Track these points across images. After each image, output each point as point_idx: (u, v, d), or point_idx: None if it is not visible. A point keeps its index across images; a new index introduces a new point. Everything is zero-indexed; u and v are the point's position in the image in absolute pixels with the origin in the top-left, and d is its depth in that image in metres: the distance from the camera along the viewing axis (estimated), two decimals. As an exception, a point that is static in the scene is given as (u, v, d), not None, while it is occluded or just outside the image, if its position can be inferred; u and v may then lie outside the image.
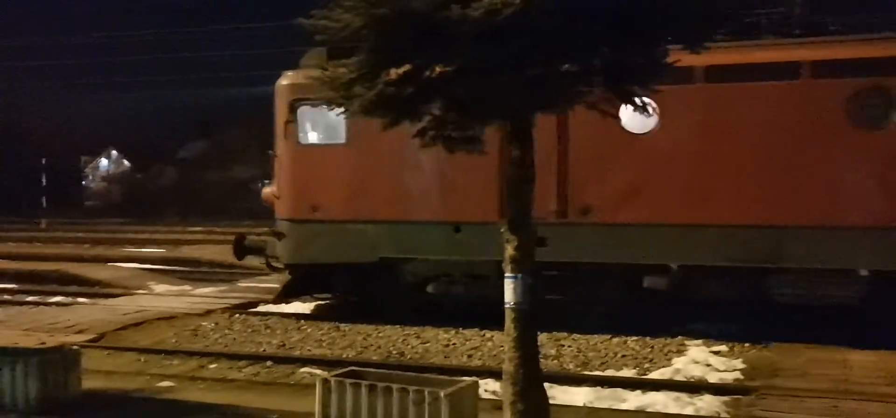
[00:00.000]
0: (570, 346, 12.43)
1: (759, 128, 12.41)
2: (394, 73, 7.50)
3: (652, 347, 12.38)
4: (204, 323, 14.46)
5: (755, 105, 12.45)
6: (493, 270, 12.71)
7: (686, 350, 12.24)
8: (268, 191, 15.56)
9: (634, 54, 7.27)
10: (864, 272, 12.08)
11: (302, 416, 8.73)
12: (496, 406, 8.64)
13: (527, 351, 7.41)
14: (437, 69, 7.27)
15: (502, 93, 7.12)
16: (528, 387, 7.33)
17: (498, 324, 7.12)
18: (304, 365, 11.60)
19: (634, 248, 12.94)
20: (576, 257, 13.07)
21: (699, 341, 12.64)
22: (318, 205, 14.55)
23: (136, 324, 14.38)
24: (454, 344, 12.85)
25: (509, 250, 7.55)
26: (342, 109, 7.95)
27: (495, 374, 10.00)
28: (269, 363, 11.80)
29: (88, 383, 9.58)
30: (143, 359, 12.17)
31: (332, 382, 7.80)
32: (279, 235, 14.89)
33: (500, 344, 12.30)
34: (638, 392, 10.15)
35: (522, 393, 7.30)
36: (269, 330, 13.90)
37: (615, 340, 12.74)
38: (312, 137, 14.91)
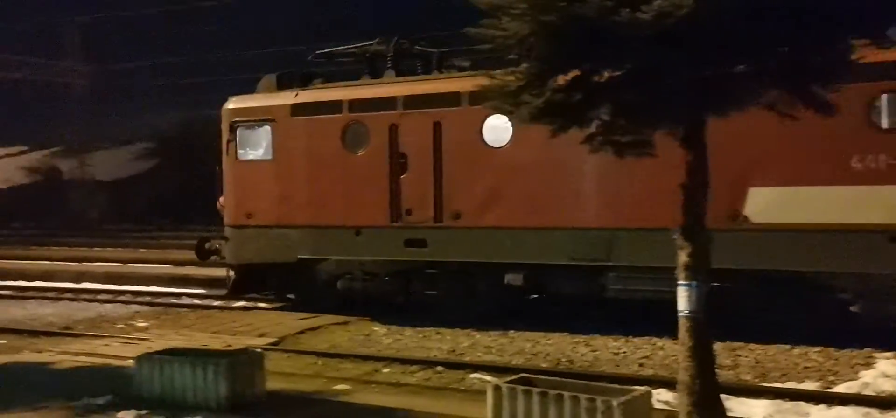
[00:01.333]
0: (746, 357, 11.97)
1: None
2: (561, 79, 7.48)
3: (836, 359, 11.72)
4: (376, 329, 14.88)
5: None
6: (383, 269, 15.56)
7: (875, 362, 11.51)
8: (220, 201, 17.48)
9: (814, 52, 6.93)
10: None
11: (473, 422, 8.83)
12: (670, 417, 8.44)
13: (702, 361, 7.22)
14: (606, 74, 7.21)
15: (674, 96, 6.98)
16: (705, 398, 7.14)
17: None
18: (474, 371, 11.71)
19: (496, 249, 14.45)
20: (449, 256, 14.92)
21: (889, 353, 11.86)
22: (251, 212, 16.58)
23: (313, 329, 14.98)
24: (624, 352, 12.64)
25: (683, 257, 7.37)
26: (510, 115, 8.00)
27: (668, 384, 9.78)
28: (439, 368, 12.00)
29: (271, 384, 10.04)
30: (319, 362, 12.67)
31: (504, 389, 7.85)
32: (225, 239, 17.10)
33: (672, 353, 12.00)
34: (822, 406, 9.63)
35: (699, 405, 7.12)
36: (439, 336, 14.14)
37: (796, 351, 12.16)
38: (247, 154, 16.83)
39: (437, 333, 14.37)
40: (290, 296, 17.22)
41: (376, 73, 16.28)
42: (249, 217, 16.57)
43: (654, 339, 12.96)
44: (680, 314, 7.41)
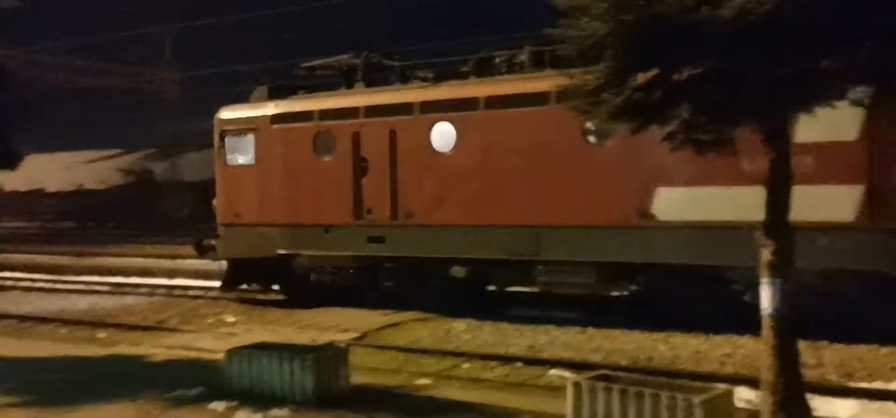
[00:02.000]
0: (831, 355, 11.75)
1: (522, 146, 14.83)
2: (641, 78, 7.50)
3: (927, 359, 11.42)
4: (455, 325, 15.05)
5: (519, 128, 14.89)
6: (349, 263, 16.96)
7: (968, 363, 11.18)
8: (214, 202, 19.11)
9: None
10: (601, 261, 14.36)
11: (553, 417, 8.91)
12: (752, 416, 8.37)
13: (786, 359, 7.16)
14: (686, 72, 7.20)
15: (756, 93, 6.93)
16: (789, 398, 7.08)
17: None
18: (553, 368, 11.78)
19: (443, 245, 15.70)
20: (404, 252, 16.19)
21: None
22: (238, 212, 18.18)
23: (394, 325, 15.24)
24: (704, 350, 12.53)
25: (765, 255, 7.32)
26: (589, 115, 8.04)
27: (750, 383, 9.69)
28: (519, 364, 12.10)
29: (355, 378, 10.29)
30: (401, 357, 12.89)
31: (584, 385, 7.91)
32: (218, 237, 18.69)
33: (753, 351, 11.83)
34: (911, 407, 9.43)
35: (783, 404, 7.06)
36: (517, 333, 14.23)
37: (884, 350, 11.88)
38: (235, 159, 18.38)
39: (516, 329, 14.47)
40: (275, 287, 18.72)
41: (351, 85, 17.57)
42: (237, 216, 18.23)
43: (736, 337, 12.80)
44: (763, 312, 7.36)
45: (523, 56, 15.62)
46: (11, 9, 12.73)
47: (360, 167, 16.58)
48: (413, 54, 18.03)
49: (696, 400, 7.31)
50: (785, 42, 6.63)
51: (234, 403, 9.46)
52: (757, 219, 12.00)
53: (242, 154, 18.23)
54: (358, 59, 17.54)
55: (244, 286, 18.93)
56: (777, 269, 7.29)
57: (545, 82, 14.45)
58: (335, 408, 9.28)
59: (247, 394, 9.71)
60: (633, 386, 7.76)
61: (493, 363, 12.25)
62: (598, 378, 8.14)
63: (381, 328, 14.95)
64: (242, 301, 18.08)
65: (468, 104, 15.46)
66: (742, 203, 12.17)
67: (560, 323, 14.42)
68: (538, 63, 15.30)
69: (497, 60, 16.05)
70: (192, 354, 13.12)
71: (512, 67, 15.79)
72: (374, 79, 17.47)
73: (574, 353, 12.70)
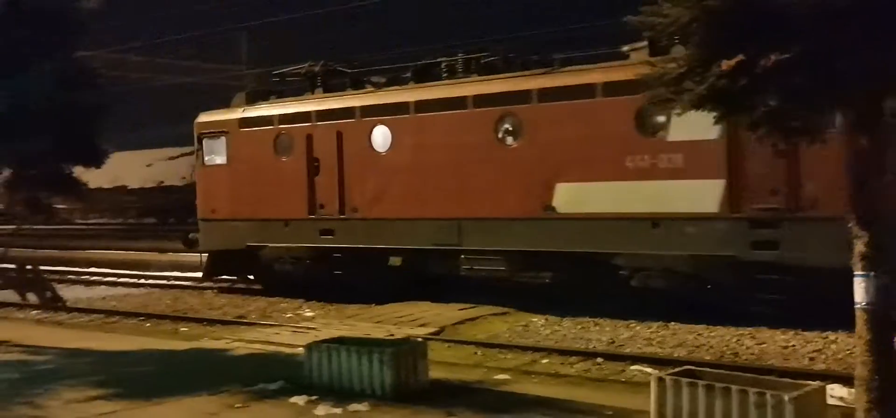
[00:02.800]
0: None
1: (445, 146, 16.30)
2: (725, 64, 7.26)
3: None
4: (534, 319, 14.92)
5: (443, 129, 16.39)
6: (305, 254, 18.58)
7: None
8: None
9: None
10: (511, 250, 15.80)
11: (635, 414, 8.73)
12: (845, 414, 8.07)
13: (882, 355, 6.87)
14: (773, 58, 6.93)
15: (848, 79, 6.64)
16: (886, 395, 6.80)
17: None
18: (634, 363, 11.57)
19: (382, 236, 17.34)
20: (351, 243, 17.88)
21: None
22: (214, 208, 19.96)
23: (472, 320, 15.18)
24: (793, 345, 12.16)
25: (859, 247, 7.02)
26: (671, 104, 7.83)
27: (843, 380, 9.38)
28: (599, 360, 11.93)
29: (434, 373, 10.26)
30: (479, 353, 12.83)
31: (668, 381, 7.72)
32: (198, 230, 20.61)
33: (846, 347, 11.48)
34: None
35: (878, 401, 6.78)
36: (598, 328, 14.04)
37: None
38: (211, 160, 20.19)
39: (596, 324, 14.28)
40: (250, 276, 20.53)
41: (314, 90, 19.20)
42: (213, 212, 20.07)
43: (827, 333, 12.40)
44: (857, 306, 7.07)
45: (457, 63, 17.05)
46: (94, 10, 13.01)
47: (314, 166, 18.29)
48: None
49: (787, 397, 7.06)
50: (879, 24, 6.34)
51: (313, 397, 9.52)
52: (639, 211, 14.18)
53: (217, 155, 20.07)
54: (317, 66, 19.33)
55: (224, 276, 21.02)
56: (871, 262, 6.99)
57: (465, 88, 16.41)
58: (413, 403, 9.25)
59: (326, 388, 9.77)
60: (719, 382, 7.54)
61: (573, 358, 12.10)
62: (682, 373, 7.93)
63: (459, 322, 14.92)
64: (322, 301, 18.15)
65: (401, 108, 17.12)
66: (625, 197, 14.42)
67: (642, 317, 14.16)
68: (469, 70, 16.88)
69: (436, 67, 17.49)
70: (272, 348, 13.28)
71: (452, 74, 17.12)
72: (333, 85, 19.06)
73: (656, 349, 12.47)
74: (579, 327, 14.17)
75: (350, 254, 18.03)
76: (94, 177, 17.14)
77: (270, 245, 19.18)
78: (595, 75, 14.99)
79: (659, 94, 7.78)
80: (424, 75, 17.53)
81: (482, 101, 15.99)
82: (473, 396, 9.82)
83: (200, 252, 20.70)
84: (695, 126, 12.45)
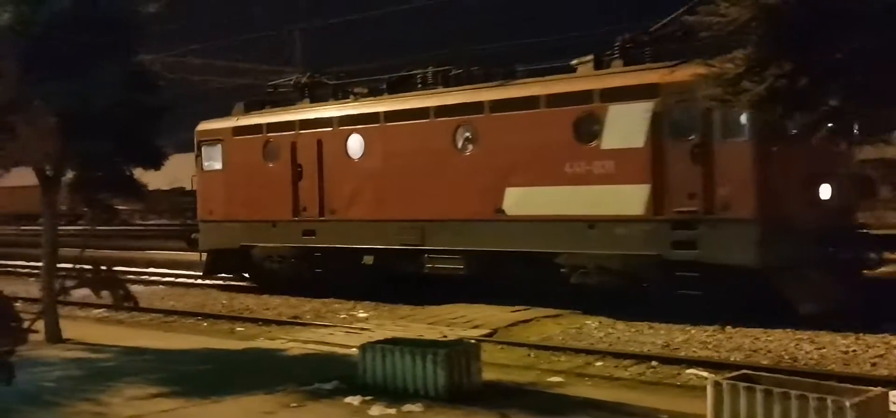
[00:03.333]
0: None
1: (410, 154, 17.63)
2: (785, 64, 7.16)
3: None
4: (588, 322, 14.83)
5: (408, 138, 17.76)
6: (291, 253, 19.91)
7: None
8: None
9: None
10: (467, 249, 17.02)
11: (691, 418, 8.64)
12: (909, 420, 7.88)
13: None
14: (836, 56, 6.81)
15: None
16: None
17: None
18: (690, 367, 11.44)
19: (356, 236, 18.76)
20: (330, 243, 19.27)
21: None
22: (212, 210, 21.42)
23: (525, 321, 15.14)
24: (854, 350, 11.90)
25: None
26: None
27: (906, 386, 9.13)
28: (654, 363, 11.81)
29: (487, 375, 10.25)
30: (532, 354, 12.80)
31: (725, 385, 7.61)
32: (198, 231, 22.24)
33: (909, 352, 11.20)
34: None
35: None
36: (652, 331, 13.90)
37: None
38: (209, 165, 21.76)
39: (650, 327, 14.14)
40: (245, 274, 21.88)
41: (302, 101, 20.86)
42: (211, 213, 21.61)
43: (889, 337, 12.12)
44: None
45: (427, 75, 18.42)
46: (154, 13, 13.30)
47: (297, 172, 19.75)
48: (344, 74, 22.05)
49: (848, 402, 6.91)
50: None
51: (368, 397, 9.58)
52: (577, 213, 15.33)
53: (214, 160, 21.66)
54: (303, 78, 21.31)
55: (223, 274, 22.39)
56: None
57: (427, 99, 17.81)
58: (467, 405, 9.26)
59: (380, 389, 9.82)
60: (778, 387, 7.41)
61: (627, 361, 12.00)
62: (740, 378, 7.81)
63: (512, 324, 14.89)
64: (374, 300, 18.35)
65: (372, 118, 18.52)
66: (565, 200, 15.57)
67: (696, 320, 13.99)
68: (436, 82, 18.22)
69: (411, 79, 18.86)
70: (326, 348, 13.39)
71: (423, 86, 18.45)
72: (318, 95, 20.66)
73: (712, 352, 12.31)
74: (633, 330, 14.04)
75: (329, 253, 19.43)
76: (153, 179, 17.50)
77: (260, 245, 20.67)
78: (539, 88, 16.32)
79: (716, 94, 7.69)
80: (397, 87, 18.97)
81: (442, 111, 17.39)
82: (527, 398, 9.79)
83: (200, 251, 22.25)
84: (624, 135, 14.71)
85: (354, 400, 9.58)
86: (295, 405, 9.64)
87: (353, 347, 12.07)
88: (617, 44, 15.81)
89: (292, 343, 14.05)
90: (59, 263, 14.37)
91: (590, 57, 16.12)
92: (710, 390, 7.76)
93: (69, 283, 13.13)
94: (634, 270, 14.88)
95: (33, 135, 11.84)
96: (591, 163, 15.18)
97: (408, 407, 9.18)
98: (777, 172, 13.58)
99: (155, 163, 14.45)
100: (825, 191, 14.06)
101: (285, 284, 20.03)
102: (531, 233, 15.98)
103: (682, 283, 14.13)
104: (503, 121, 16.42)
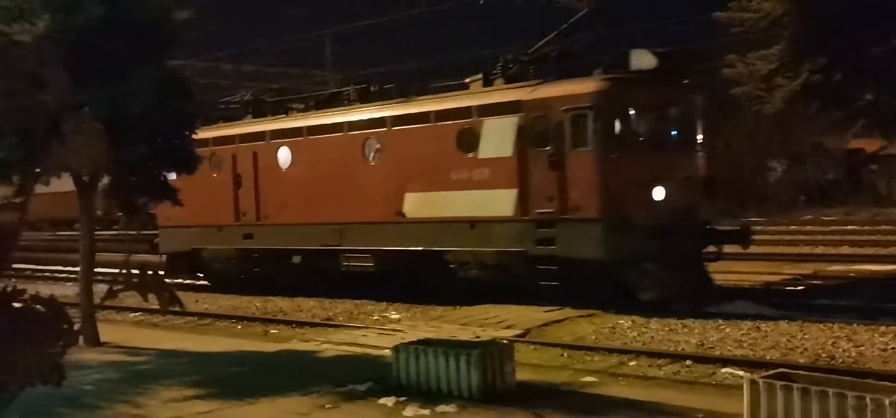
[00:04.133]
0: None
1: (329, 164, 19.49)
2: (819, 59, 7.08)
3: None
4: (621, 321, 14.74)
5: (327, 149, 19.78)
6: (233, 254, 22.03)
7: None
8: None
9: None
10: (375, 249, 19.02)
11: (727, 417, 8.57)
12: (951, 418, 7.75)
13: None
14: (874, 51, 6.73)
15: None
16: None
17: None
18: (725, 366, 11.34)
19: (286, 239, 20.75)
20: (265, 245, 21.36)
21: None
22: (169, 216, 21.60)
23: (557, 321, 15.08)
24: (893, 347, 11.73)
25: None
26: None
27: (947, 383, 9.00)
28: (688, 362, 11.72)
29: (520, 375, 10.25)
30: (565, 354, 12.76)
31: (762, 384, 7.56)
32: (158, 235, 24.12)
33: (949, 349, 11.03)
34: None
35: None
36: (686, 330, 13.79)
37: None
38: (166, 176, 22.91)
39: (684, 326, 14.03)
40: (199, 274, 23.65)
41: (254, 115, 22.85)
42: (168, 220, 22.46)
43: (928, 335, 11.95)
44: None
45: (351, 93, 20.70)
46: (186, 20, 13.50)
47: (238, 181, 21.78)
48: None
49: (888, 400, 6.84)
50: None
51: (402, 398, 9.62)
52: (461, 215, 17.32)
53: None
54: (248, 96, 23.62)
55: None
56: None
57: (343, 115, 19.82)
58: (501, 405, 9.27)
59: (414, 390, 9.86)
60: (816, 385, 7.34)
61: (661, 360, 11.92)
62: (776, 376, 7.75)
63: (545, 324, 14.84)
64: (407, 302, 18.44)
65: (298, 132, 20.63)
66: (452, 203, 17.57)
67: (730, 318, 13.88)
68: (356, 99, 20.34)
69: (338, 96, 21.18)
70: (359, 350, 13.45)
71: (349, 102, 20.44)
72: (260, 111, 22.61)
73: (747, 351, 12.19)
74: (667, 329, 13.94)
75: (265, 254, 21.51)
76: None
77: (209, 247, 22.78)
78: (430, 104, 18.46)
79: (748, 91, 7.63)
80: (326, 103, 21.16)
81: (354, 126, 19.47)
82: (561, 398, 9.78)
83: (160, 254, 23.94)
84: (496, 145, 16.80)
85: (388, 401, 9.62)
86: (329, 406, 9.71)
87: (386, 348, 12.11)
88: (499, 64, 17.99)
89: (326, 344, 14.12)
90: (97, 267, 14.57)
91: (479, 76, 18.25)
92: (746, 389, 7.72)
93: (117, 287, 13.35)
94: (507, 265, 16.88)
95: (82, 141, 12.08)
96: (471, 170, 17.27)
97: (442, 408, 9.21)
98: (616, 177, 15.45)
99: (189, 167, 14.62)
100: (659, 193, 15.67)
101: (231, 283, 21.98)
102: (425, 233, 18.03)
103: (545, 276, 16.00)
104: (402, 134, 18.58)
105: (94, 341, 14.30)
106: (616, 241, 15.27)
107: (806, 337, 12.64)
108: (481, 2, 30.47)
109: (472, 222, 17.26)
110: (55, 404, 9.87)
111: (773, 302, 15.60)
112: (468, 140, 17.28)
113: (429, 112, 18.19)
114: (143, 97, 12.16)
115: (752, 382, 7.68)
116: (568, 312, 15.56)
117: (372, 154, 19.21)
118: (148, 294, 14.91)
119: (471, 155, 17.19)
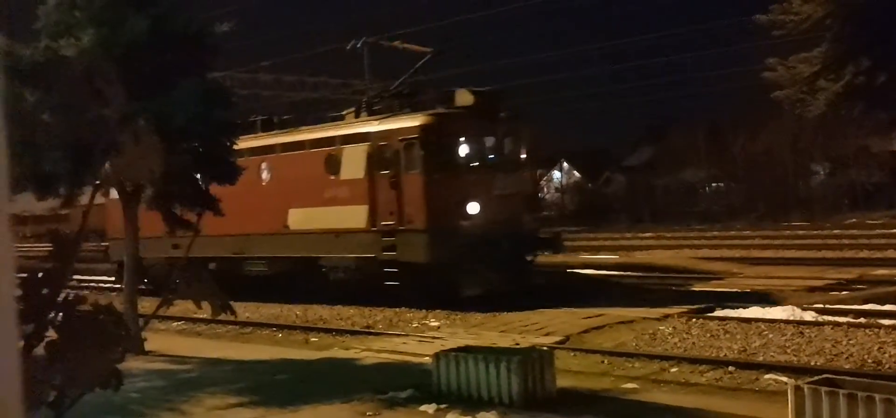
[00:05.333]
0: None
1: (238, 184, 18.80)
2: (863, 61, 7.01)
3: None
4: (661, 327, 14.66)
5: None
6: (165, 262, 22.90)
7: None
8: None
9: None
10: (269, 256, 22.63)
11: (772, 424, 8.49)
12: None
13: None
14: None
15: None
16: None
17: None
18: (768, 372, 11.21)
19: (205, 248, 21.61)
20: (196, 253, 21.60)
21: None
22: (116, 228, 22.59)
23: (598, 328, 15.04)
24: (941, 353, 11.54)
25: None
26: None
27: None
28: (731, 368, 11.60)
29: (560, 382, 10.23)
30: (606, 361, 12.69)
31: (806, 390, 7.48)
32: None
33: None
34: None
35: None
36: (728, 335, 13.67)
37: None
38: (113, 194, 23.26)
39: (726, 332, 13.91)
40: (145, 280, 24.57)
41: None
42: (116, 231, 23.58)
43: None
44: None
45: (257, 123, 23.81)
46: (227, 32, 13.72)
47: None
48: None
49: (936, 407, 6.73)
50: None
51: (443, 405, 9.64)
52: (329, 227, 20.83)
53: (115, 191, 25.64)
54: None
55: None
56: None
57: (247, 142, 20.46)
58: (542, 411, 9.26)
59: (454, 397, 9.88)
60: (862, 390, 7.25)
61: (703, 366, 11.81)
62: (821, 382, 7.67)
63: (585, 331, 14.81)
64: (447, 309, 18.50)
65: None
66: (322, 217, 21.06)
67: (773, 323, 13.72)
68: (259, 128, 23.68)
69: (253, 124, 23.60)
70: (400, 357, 13.50)
71: (255, 129, 23.22)
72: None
73: (791, 357, 12.05)
74: (709, 335, 13.83)
75: (196, 262, 22.91)
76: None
77: (148, 256, 23.92)
78: (306, 134, 22.74)
79: (790, 94, 7.57)
80: (245, 130, 22.94)
81: (253, 151, 21.71)
82: (603, 404, 9.74)
83: (112, 262, 26.23)
84: (352, 169, 20.56)
85: (429, 408, 9.65)
86: (371, 413, 9.76)
87: (426, 356, 12.14)
88: (364, 99, 21.85)
89: (366, 352, 14.20)
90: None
91: (353, 109, 22.60)
92: (791, 395, 7.64)
93: (170, 296, 13.54)
94: (363, 268, 20.24)
95: (139, 152, 12.28)
96: (335, 189, 20.92)
97: (482, 415, 9.22)
98: (439, 195, 19.09)
99: (230, 177, 14.80)
100: (473, 208, 19.30)
101: (168, 288, 24.50)
102: (304, 243, 21.60)
103: (390, 277, 19.35)
104: (287, 158, 22.47)
105: (139, 349, 14.51)
106: (439, 248, 18.73)
107: (851, 342, 12.47)
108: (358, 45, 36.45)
109: (337, 233, 20.72)
110: (101, 412, 10.02)
111: (816, 307, 15.45)
112: (333, 164, 21.12)
113: (305, 140, 22.34)
114: (187, 108, 12.35)
115: (797, 388, 7.61)
116: (607, 318, 15.54)
117: (266, 175, 22.84)
118: (201, 302, 15.24)
119: (335, 177, 21.02)
